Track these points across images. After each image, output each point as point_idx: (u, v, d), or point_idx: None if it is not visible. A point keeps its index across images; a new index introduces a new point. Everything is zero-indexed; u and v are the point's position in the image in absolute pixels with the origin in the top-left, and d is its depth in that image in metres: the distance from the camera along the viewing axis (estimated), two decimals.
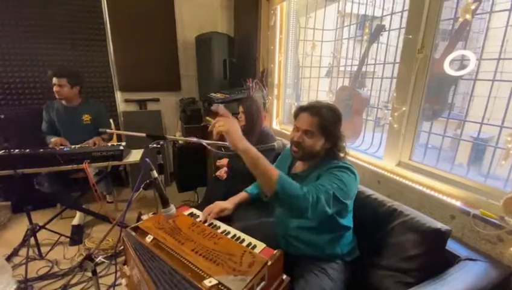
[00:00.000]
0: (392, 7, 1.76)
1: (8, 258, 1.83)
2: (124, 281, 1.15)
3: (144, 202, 2.63)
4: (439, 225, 0.99)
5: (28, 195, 2.01)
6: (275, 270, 0.92)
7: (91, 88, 2.74)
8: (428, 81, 1.28)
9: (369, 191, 1.29)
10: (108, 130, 1.81)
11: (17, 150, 1.70)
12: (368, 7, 1.83)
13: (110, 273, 1.66)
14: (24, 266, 1.71)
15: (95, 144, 2.02)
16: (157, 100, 3.14)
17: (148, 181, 1.01)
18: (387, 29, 1.67)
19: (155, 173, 1.01)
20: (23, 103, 2.53)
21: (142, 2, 2.81)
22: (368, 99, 1.89)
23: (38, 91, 2.57)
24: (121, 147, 1.87)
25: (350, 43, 2.10)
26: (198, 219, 1.19)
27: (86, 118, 2.20)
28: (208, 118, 2.78)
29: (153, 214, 1.24)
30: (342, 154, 1.10)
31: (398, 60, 1.41)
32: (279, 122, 2.62)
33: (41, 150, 1.80)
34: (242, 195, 1.36)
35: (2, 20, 2.37)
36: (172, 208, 1.05)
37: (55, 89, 2.04)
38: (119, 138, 2.46)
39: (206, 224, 1.15)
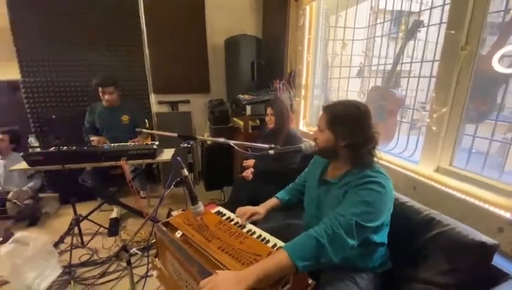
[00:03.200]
0: (432, 1, 1.64)
1: (55, 245, 2.02)
2: (155, 272, 1.21)
3: (174, 199, 2.75)
4: (484, 237, 0.90)
5: (73, 188, 2.21)
6: (300, 273, 0.91)
7: (129, 91, 2.92)
8: (473, 80, 1.17)
9: (403, 198, 1.21)
10: (144, 130, 1.93)
11: (65, 147, 1.89)
12: (404, 2, 1.72)
13: (142, 265, 1.76)
14: (68, 252, 1.89)
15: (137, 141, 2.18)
16: (187, 102, 3.27)
17: (179, 179, 1.05)
18: (425, 24, 1.56)
19: (186, 172, 1.05)
20: (70, 105, 2.78)
21: (176, 9, 2.95)
22: (403, 99, 1.78)
23: (84, 94, 2.80)
24: (154, 146, 1.97)
25: (383, 41, 2.00)
26: (224, 217, 1.22)
27: (125, 118, 2.37)
28: (235, 118, 2.83)
29: (182, 210, 1.29)
30: (373, 159, 1.01)
31: (437, 57, 1.31)
32: (306, 124, 2.58)
33: (85, 147, 1.97)
34: (273, 201, 1.33)
35: (53, 33, 2.63)
36: (201, 206, 1.09)
37: (106, 97, 2.26)
38: (153, 138, 2.61)
39: (232, 223, 1.17)
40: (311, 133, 2.36)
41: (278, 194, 1.36)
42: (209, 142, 2.90)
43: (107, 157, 1.89)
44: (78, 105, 2.79)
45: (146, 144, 2.04)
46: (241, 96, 2.64)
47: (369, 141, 0.98)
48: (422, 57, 1.59)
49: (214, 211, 1.28)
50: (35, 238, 1.68)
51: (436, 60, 1.34)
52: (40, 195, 2.71)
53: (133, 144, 2.13)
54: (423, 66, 1.59)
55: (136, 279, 1.64)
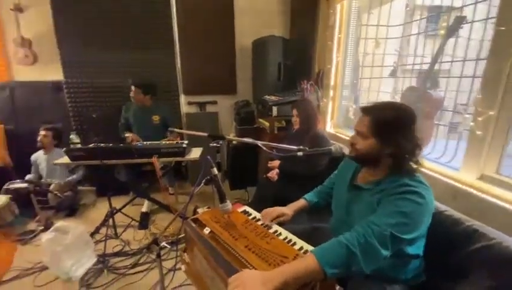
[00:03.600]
0: None
1: (91, 235, 2.16)
2: (183, 267, 1.25)
3: (200, 197, 2.83)
4: None
5: (109, 182, 2.37)
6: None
7: (161, 92, 3.02)
8: None
9: (441, 207, 1.13)
10: (175, 130, 2.01)
11: (102, 144, 2.02)
12: None
13: (170, 258, 1.83)
14: (103, 242, 2.02)
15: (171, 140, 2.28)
16: (215, 103, 3.35)
17: (208, 177, 1.08)
18: (469, 20, 1.45)
19: (215, 170, 1.07)
20: (107, 105, 2.98)
21: (207, 12, 3.04)
22: (441, 101, 1.67)
23: (120, 94, 2.97)
24: (184, 145, 2.05)
25: (420, 39, 1.89)
26: (251, 217, 1.22)
27: (156, 118, 2.50)
28: (261, 119, 2.84)
29: (207, 208, 1.32)
30: (414, 167, 0.93)
31: (482, 55, 1.21)
32: (334, 125, 2.51)
33: (121, 144, 2.10)
34: (301, 203, 1.31)
35: (91, 35, 2.83)
36: (229, 204, 1.10)
37: (131, 94, 2.43)
38: (181, 137, 2.71)
39: (259, 223, 1.17)
40: (340, 135, 2.30)
41: (306, 196, 1.34)
42: (234, 142, 2.94)
43: (140, 154, 1.99)
44: (114, 104, 2.95)
45: (176, 142, 2.11)
46: (267, 97, 2.65)
47: (417, 148, 0.92)
48: (465, 55, 1.48)
49: (240, 210, 1.30)
50: (74, 228, 1.81)
51: (481, 59, 1.24)
52: (79, 188, 2.92)
53: (164, 142, 2.23)
54: (465, 65, 1.47)
55: (164, 271, 1.70)
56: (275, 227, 1.15)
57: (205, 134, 1.44)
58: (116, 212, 2.18)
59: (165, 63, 3.08)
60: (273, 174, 2.00)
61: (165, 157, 2.04)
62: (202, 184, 1.10)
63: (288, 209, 1.25)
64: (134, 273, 1.80)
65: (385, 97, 2.09)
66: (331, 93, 2.45)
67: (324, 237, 1.23)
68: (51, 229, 1.81)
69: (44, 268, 1.83)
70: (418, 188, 0.89)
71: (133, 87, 2.41)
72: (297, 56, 2.88)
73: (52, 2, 2.71)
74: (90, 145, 2.04)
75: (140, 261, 1.88)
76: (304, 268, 0.80)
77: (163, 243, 1.15)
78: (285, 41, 2.94)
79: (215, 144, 1.33)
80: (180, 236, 1.68)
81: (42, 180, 2.66)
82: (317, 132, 1.89)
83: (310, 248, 0.97)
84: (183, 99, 3.25)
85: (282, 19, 3.20)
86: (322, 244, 0.87)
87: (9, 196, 2.38)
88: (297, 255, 0.93)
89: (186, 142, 2.09)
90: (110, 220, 2.15)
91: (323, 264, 0.79)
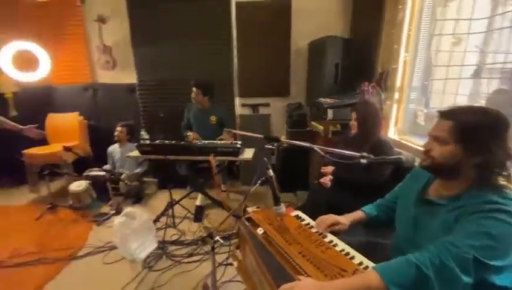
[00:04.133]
0: None
1: (153, 222, 2.40)
2: (235, 263, 1.29)
3: (252, 197, 2.87)
4: None
5: (170, 175, 2.60)
6: None
7: (218, 94, 3.16)
8: None
9: None
10: (232, 130, 2.11)
11: (167, 141, 2.23)
12: None
13: (222, 253, 1.91)
14: (163, 230, 2.22)
15: (222, 140, 2.40)
16: (267, 105, 3.39)
17: (264, 178, 1.09)
18: None
19: (271, 172, 1.07)
20: (173, 105, 3.24)
21: (264, 15, 3.10)
22: None
23: (183, 95, 3.16)
24: (238, 146, 2.12)
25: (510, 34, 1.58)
26: (304, 223, 1.19)
27: (213, 118, 2.67)
28: (314, 122, 2.76)
29: (256, 208, 1.33)
30: (502, 182, 0.79)
31: None
32: (398, 131, 2.28)
33: (182, 142, 2.28)
34: (359, 214, 1.22)
35: (161, 41, 3.14)
36: (283, 207, 1.09)
37: (192, 95, 2.62)
38: (235, 137, 2.81)
39: (313, 230, 1.13)
40: (405, 142, 2.08)
41: (364, 208, 1.23)
42: (285, 144, 2.92)
43: (199, 152, 2.14)
44: (178, 104, 3.12)
45: (230, 143, 2.21)
46: (322, 99, 2.56)
47: (508, 160, 0.78)
48: None
49: (293, 214, 1.27)
50: (140, 215, 2.03)
51: None
52: (144, 179, 3.27)
53: (220, 142, 2.34)
54: None
55: (216, 265, 1.78)
56: (330, 237, 1.10)
57: (261, 136, 1.45)
58: (175, 204, 2.38)
59: (223, 66, 3.23)
60: (326, 181, 1.92)
61: (220, 156, 2.15)
62: (258, 184, 1.11)
63: (345, 219, 1.17)
64: (188, 262, 1.93)
65: (463, 101, 1.81)
66: (397, 95, 2.23)
67: (383, 254, 1.11)
68: (122, 213, 2.06)
69: (113, 248, 2.08)
70: (509, 206, 0.74)
71: (194, 89, 2.60)
72: (358, 57, 2.72)
73: (130, 13, 3.11)
74: (157, 142, 2.27)
75: (195, 252, 2.01)
76: (366, 285, 0.74)
77: (217, 238, 1.20)
78: (345, 42, 2.80)
79: (270, 146, 1.33)
80: (232, 232, 1.74)
81: (115, 170, 3.05)
82: (380, 138, 1.74)
83: (371, 264, 0.90)
84: (237, 101, 3.37)
85: (341, 19, 3.06)
86: (386, 262, 0.79)
87: (89, 181, 2.81)
88: (356, 270, 0.86)
89: (240, 142, 2.16)
90: (170, 211, 2.35)
91: (388, 283, 0.71)
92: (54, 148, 3.08)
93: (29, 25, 3.24)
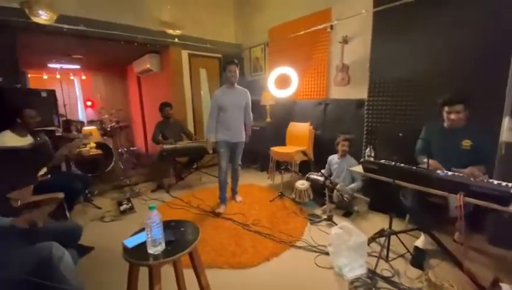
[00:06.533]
0: None
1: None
2: None
3: (503, 263, 1.94)
4: None
5: (390, 201, 2.29)
6: None
7: (475, 109, 2.40)
8: None
9: None
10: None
11: (402, 164, 1.94)
12: None
13: None
14: (372, 258, 2.02)
15: (472, 174, 1.77)
16: None
17: None
18: None
19: None
20: (406, 123, 2.85)
21: None
22: None
23: (418, 114, 2.76)
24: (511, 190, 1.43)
25: None
26: None
27: (466, 143, 2.00)
28: None
29: None
30: None
31: None
32: None
33: (414, 167, 1.92)
34: None
35: (403, 60, 2.84)
36: None
37: (452, 117, 2.05)
38: (491, 175, 1.97)
39: None
40: None
41: None
42: None
43: (439, 185, 1.69)
44: (413, 123, 2.78)
45: (498, 183, 1.54)
46: None
47: None
48: None
49: None
50: (358, 234, 1.96)
51: None
52: (354, 194, 3.22)
53: (472, 179, 1.72)
54: None
55: None
56: None
57: None
58: (392, 234, 2.08)
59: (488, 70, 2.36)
60: None
61: (474, 198, 1.57)
62: None
63: None
64: None
65: None
66: None
67: None
68: (339, 225, 2.11)
69: (325, 253, 2.18)
70: None
71: (455, 107, 2.04)
72: None
73: (374, 32, 3.11)
74: (383, 161, 2.08)
75: None
76: None
77: None
78: None
79: None
80: None
81: (331, 177, 3.25)
82: None
83: None
84: (506, 122, 2.35)
85: None
86: None
87: (309, 183, 3.20)
88: None
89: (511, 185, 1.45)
90: (382, 239, 2.09)
91: None
92: (289, 149, 3.87)
93: (291, 53, 4.26)
